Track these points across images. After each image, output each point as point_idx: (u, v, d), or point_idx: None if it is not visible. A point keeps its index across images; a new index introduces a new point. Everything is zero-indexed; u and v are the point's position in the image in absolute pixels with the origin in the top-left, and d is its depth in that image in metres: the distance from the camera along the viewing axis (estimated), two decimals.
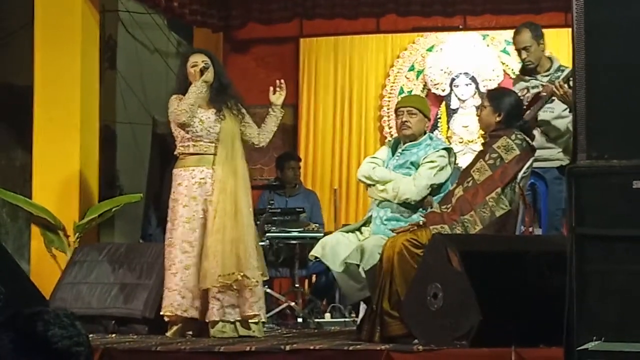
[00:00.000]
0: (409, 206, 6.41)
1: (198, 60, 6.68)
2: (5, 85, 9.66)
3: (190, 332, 6.50)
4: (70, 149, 8.31)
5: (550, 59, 7.16)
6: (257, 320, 6.48)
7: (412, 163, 6.51)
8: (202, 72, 6.59)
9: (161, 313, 6.57)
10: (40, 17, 8.48)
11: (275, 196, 9.18)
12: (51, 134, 8.32)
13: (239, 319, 6.44)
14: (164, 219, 6.80)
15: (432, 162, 6.46)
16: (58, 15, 8.46)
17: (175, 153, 6.73)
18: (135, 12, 10.03)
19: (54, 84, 8.38)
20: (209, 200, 6.50)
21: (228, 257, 6.38)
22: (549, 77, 6.96)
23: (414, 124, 6.55)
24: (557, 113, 6.91)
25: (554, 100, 6.81)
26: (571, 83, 6.63)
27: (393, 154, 6.64)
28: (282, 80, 6.84)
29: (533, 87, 6.97)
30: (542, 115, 6.88)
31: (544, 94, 6.79)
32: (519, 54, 7.17)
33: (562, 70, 6.88)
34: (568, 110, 6.71)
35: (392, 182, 6.44)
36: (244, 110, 6.74)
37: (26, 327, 2.04)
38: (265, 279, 6.92)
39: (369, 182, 6.58)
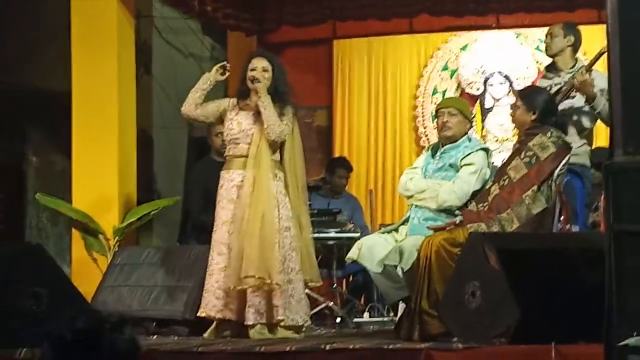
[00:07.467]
0: (449, 211, 6.35)
1: (258, 65, 6.56)
2: (43, 91, 9.76)
3: (229, 333, 6.51)
4: (108, 153, 8.39)
5: (576, 58, 7.17)
6: (288, 324, 6.41)
7: (450, 165, 6.45)
8: (252, 81, 6.51)
9: (197, 314, 6.61)
10: (76, 23, 8.55)
11: (318, 197, 9.15)
12: (90, 139, 8.41)
13: (265, 322, 6.39)
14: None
15: (471, 164, 6.38)
16: (94, 21, 8.53)
17: (224, 155, 6.74)
18: (170, 17, 10.10)
19: (92, 89, 8.46)
20: (244, 203, 6.48)
21: (255, 259, 6.32)
22: (572, 74, 6.96)
23: (455, 124, 6.49)
24: (577, 107, 6.92)
25: (575, 96, 6.84)
26: (592, 74, 6.73)
27: (433, 158, 6.59)
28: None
29: (555, 84, 6.99)
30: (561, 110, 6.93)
31: (564, 87, 6.85)
32: (545, 40, 7.26)
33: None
34: (588, 104, 6.76)
35: (427, 191, 6.41)
36: (285, 112, 6.56)
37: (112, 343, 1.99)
38: (318, 284, 6.93)
39: (407, 194, 6.56)
